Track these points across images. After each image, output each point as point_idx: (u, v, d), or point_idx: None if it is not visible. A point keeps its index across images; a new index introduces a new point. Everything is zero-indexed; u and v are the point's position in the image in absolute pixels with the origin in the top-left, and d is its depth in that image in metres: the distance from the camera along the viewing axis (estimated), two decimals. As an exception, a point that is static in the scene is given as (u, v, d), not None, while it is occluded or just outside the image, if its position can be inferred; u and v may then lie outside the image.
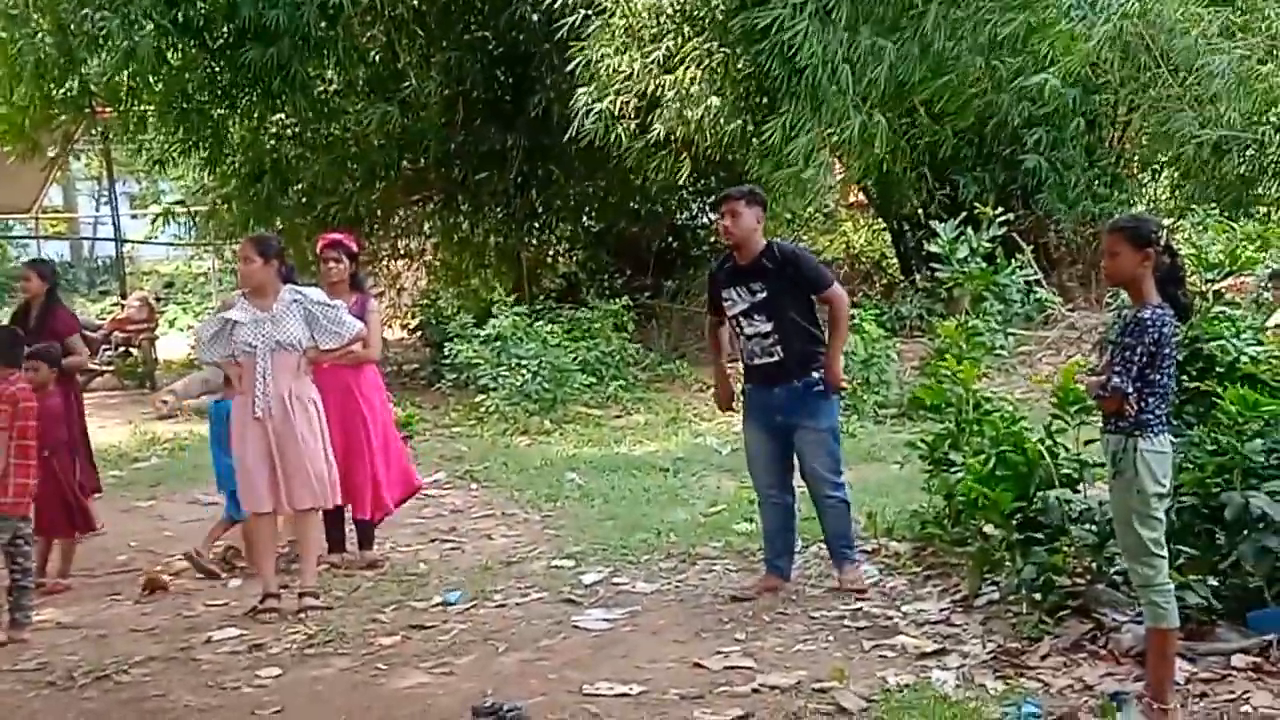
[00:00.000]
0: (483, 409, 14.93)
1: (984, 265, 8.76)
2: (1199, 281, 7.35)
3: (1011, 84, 15.54)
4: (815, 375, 7.34)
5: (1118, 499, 5.35)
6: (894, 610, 7.05)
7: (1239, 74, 15.86)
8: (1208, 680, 5.65)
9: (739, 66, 15.26)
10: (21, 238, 32.42)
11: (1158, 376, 5.22)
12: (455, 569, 8.54)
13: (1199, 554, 6.18)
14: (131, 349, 19.66)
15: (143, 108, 19.00)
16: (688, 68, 15.10)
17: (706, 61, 15.21)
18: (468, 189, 20.30)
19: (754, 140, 15.49)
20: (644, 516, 9.66)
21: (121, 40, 15.43)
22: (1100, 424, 5.51)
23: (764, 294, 7.36)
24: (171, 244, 29.86)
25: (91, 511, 8.96)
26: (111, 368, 19.11)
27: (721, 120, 15.18)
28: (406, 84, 17.71)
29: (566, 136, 16.09)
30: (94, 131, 21.87)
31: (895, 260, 23.20)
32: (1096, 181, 19.94)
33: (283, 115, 19.16)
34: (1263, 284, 11.06)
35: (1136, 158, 21.90)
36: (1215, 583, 6.15)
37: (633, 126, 15.33)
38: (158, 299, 24.07)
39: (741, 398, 7.85)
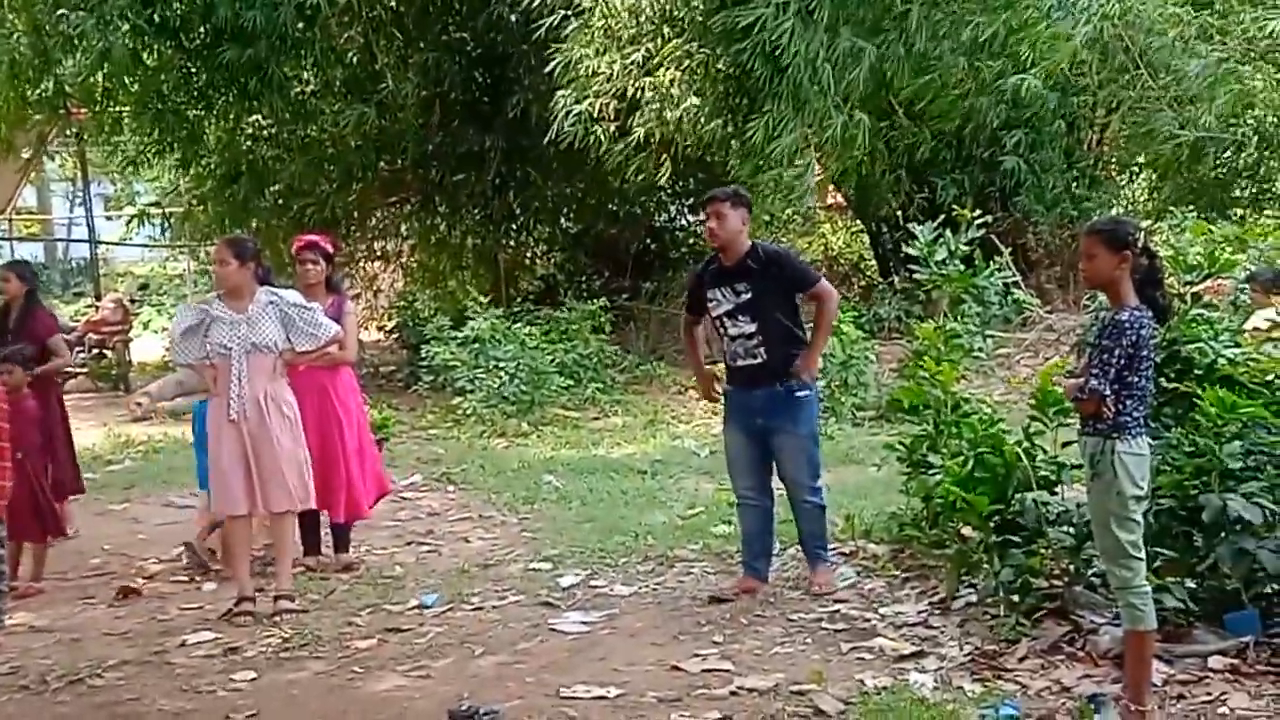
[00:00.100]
0: (460, 411, 14.90)
1: (962, 267, 8.77)
2: (1177, 284, 7.36)
3: (994, 85, 15.55)
4: (799, 378, 7.34)
5: (1095, 501, 5.34)
6: (872, 613, 7.05)
7: (1216, 75, 15.91)
8: (1185, 682, 5.65)
9: (719, 67, 15.24)
10: (-6, 239, 32.27)
11: (1136, 379, 5.22)
12: (432, 572, 8.51)
13: (1177, 556, 6.18)
14: (106, 351, 19.56)
15: (118, 109, 18.91)
16: (667, 69, 15.08)
17: (686, 62, 15.19)
18: (445, 190, 20.25)
19: (734, 141, 15.49)
20: (622, 519, 9.64)
21: (96, 41, 15.33)
22: (1078, 426, 5.51)
23: (748, 295, 7.36)
24: (146, 245, 29.75)
25: (63, 516, 8.91)
26: (85, 370, 19.01)
27: (701, 121, 15.17)
28: (384, 85, 17.66)
29: (546, 138, 16.06)
30: (69, 132, 21.78)
31: (873, 262, 23.22)
32: (1075, 183, 20.00)
33: (259, 116, 19.09)
34: (1240, 286, 11.07)
35: (1115, 159, 21.98)
36: (1193, 585, 6.16)
37: (612, 128, 15.30)
38: (132, 301, 23.88)
39: (723, 398, 7.83)
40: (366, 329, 21.17)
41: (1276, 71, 18.90)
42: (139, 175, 25.00)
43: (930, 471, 7.52)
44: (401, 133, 18.76)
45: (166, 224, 23.48)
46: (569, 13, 15.26)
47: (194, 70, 17.47)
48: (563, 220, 22.15)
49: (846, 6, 14.24)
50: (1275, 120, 19.06)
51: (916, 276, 9.20)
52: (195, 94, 17.81)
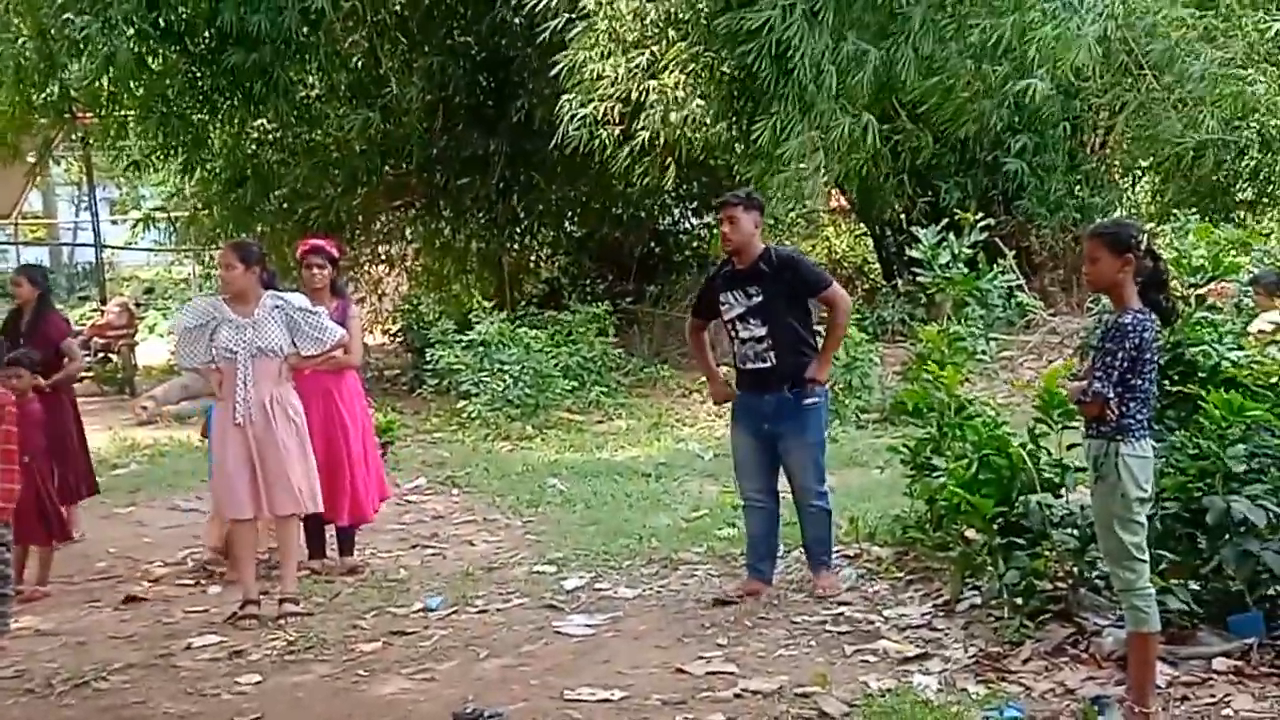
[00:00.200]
0: (464, 414, 14.91)
1: (965, 270, 8.77)
2: (1180, 286, 7.36)
3: (1000, 88, 15.53)
4: (807, 384, 7.35)
5: (1099, 503, 5.35)
6: (876, 615, 7.05)
7: (1220, 78, 15.91)
8: (1189, 684, 5.66)
9: (724, 69, 15.23)
10: (0, 244, 32.28)
11: (1139, 381, 5.23)
12: (436, 575, 8.52)
13: (1180, 558, 6.19)
14: (111, 355, 19.61)
15: (123, 113, 18.92)
16: (672, 71, 15.08)
17: (691, 65, 15.18)
18: (449, 194, 20.26)
19: (738, 144, 15.48)
20: (626, 522, 9.65)
21: (101, 45, 15.34)
22: (1082, 429, 5.51)
23: (760, 298, 7.38)
24: (152, 249, 29.76)
25: (70, 520, 8.93)
26: (91, 374, 19.02)
27: (706, 123, 15.17)
28: (388, 89, 17.65)
29: (550, 142, 16.06)
30: (74, 137, 21.78)
31: (877, 265, 23.23)
32: (1078, 186, 20.00)
33: (264, 120, 19.09)
34: (1243, 289, 11.07)
35: (1118, 162, 21.97)
36: (1197, 587, 6.17)
37: (616, 132, 15.30)
38: (137, 305, 23.94)
39: (731, 402, 7.85)
40: (371, 333, 21.20)
41: (1279, 75, 18.90)
42: (144, 180, 24.98)
43: (934, 474, 7.52)
44: (406, 137, 18.76)
45: (172, 228, 23.50)
46: (573, 16, 15.26)
47: (199, 74, 17.48)
48: (567, 224, 22.16)
49: (852, 9, 14.23)
50: (1277, 124, 19.04)
51: (920, 279, 9.20)
52: (200, 98, 17.82)
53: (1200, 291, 7.41)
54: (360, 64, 18.97)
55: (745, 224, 7.44)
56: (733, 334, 7.56)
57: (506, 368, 15.20)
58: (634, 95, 15.03)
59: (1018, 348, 16.55)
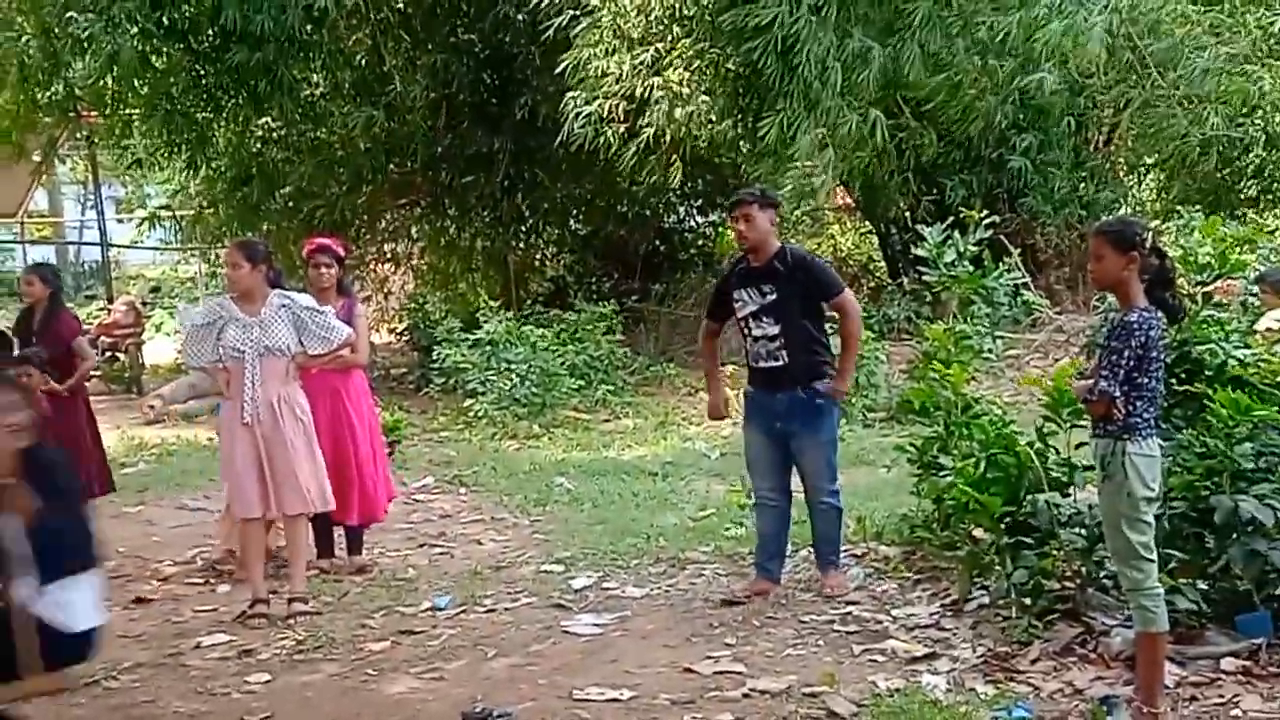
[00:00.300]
0: (471, 413, 14.92)
1: (971, 268, 8.77)
2: (1187, 284, 7.36)
3: (1008, 84, 15.52)
4: (818, 386, 7.35)
5: (1107, 503, 5.35)
6: (884, 615, 7.06)
7: (1226, 73, 15.90)
8: (1197, 684, 5.66)
9: (729, 66, 15.25)
10: (7, 242, 32.33)
11: (1146, 380, 5.23)
12: (444, 574, 8.53)
13: (1188, 558, 6.19)
14: (118, 354, 19.62)
15: (128, 111, 18.94)
16: (677, 68, 15.09)
17: (696, 62, 15.19)
18: (454, 192, 20.29)
19: (742, 142, 15.49)
20: (633, 521, 9.66)
21: (106, 44, 15.36)
22: (1090, 428, 5.52)
23: (773, 296, 7.38)
24: (158, 248, 29.80)
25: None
26: (98, 373, 19.03)
27: (712, 120, 15.17)
28: (392, 87, 17.69)
29: (555, 140, 16.08)
30: (79, 135, 21.81)
31: (882, 263, 23.23)
32: (1083, 183, 19.98)
33: (269, 119, 19.12)
34: (1250, 287, 11.06)
35: (1123, 159, 21.95)
36: (1205, 586, 6.17)
37: (621, 129, 15.31)
38: (144, 303, 24.01)
39: (744, 399, 7.87)
40: (377, 331, 21.22)
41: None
42: (149, 178, 25.03)
43: (941, 473, 7.51)
44: (410, 135, 18.80)
45: (178, 227, 23.53)
46: (578, 13, 15.27)
47: (203, 73, 17.50)
48: (572, 222, 22.19)
49: (857, 5, 14.23)
50: None
51: (925, 278, 9.19)
52: (204, 96, 17.85)
53: (1208, 289, 7.40)
54: (364, 62, 19.01)
55: (761, 221, 7.44)
56: (745, 331, 7.57)
57: (513, 366, 15.22)
58: (639, 92, 15.04)
59: (1024, 346, 16.55)
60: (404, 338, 21.01)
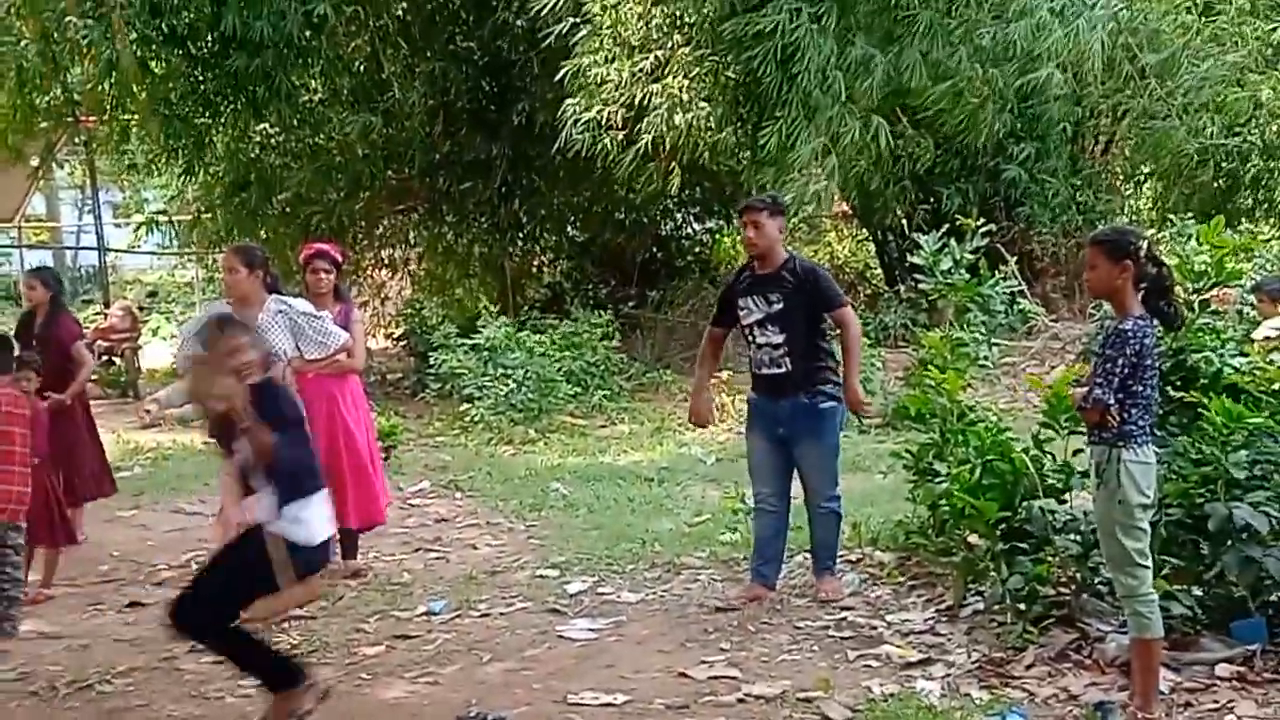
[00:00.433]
0: (467, 419, 14.92)
1: (967, 276, 8.78)
2: (1183, 292, 7.37)
3: (1010, 89, 15.52)
4: (823, 391, 7.36)
5: (1102, 509, 5.36)
6: (879, 620, 7.07)
7: (1224, 83, 15.93)
8: (1192, 690, 5.67)
9: (729, 74, 15.27)
10: (4, 247, 32.29)
11: (1140, 388, 5.24)
12: (440, 579, 8.52)
13: (1183, 564, 6.21)
14: (114, 358, 19.60)
15: (126, 117, 18.95)
16: (677, 76, 15.10)
17: (696, 69, 15.20)
18: (452, 199, 20.29)
19: (739, 150, 15.50)
20: (629, 526, 9.66)
21: (104, 49, 15.38)
22: (1085, 435, 5.53)
23: (780, 305, 7.40)
24: (155, 253, 29.76)
25: (77, 523, 8.93)
26: (95, 377, 19.00)
27: (711, 128, 15.18)
28: (390, 94, 17.71)
29: (552, 147, 16.10)
30: (77, 140, 21.80)
31: (879, 271, 23.25)
32: (1079, 192, 20.01)
33: (267, 124, 19.12)
34: (1245, 296, 11.08)
35: (1119, 169, 21.98)
36: (1199, 593, 6.19)
37: (620, 136, 15.32)
38: (141, 308, 23.93)
39: (747, 405, 7.90)
40: (374, 337, 21.20)
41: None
42: (147, 183, 25.02)
43: (937, 479, 7.52)
44: (408, 141, 18.81)
45: (175, 231, 23.51)
46: (578, 20, 15.28)
47: (202, 79, 17.52)
48: (569, 229, 22.21)
49: (858, 14, 14.25)
50: (1278, 129, 19.05)
51: (922, 286, 9.21)
52: (203, 102, 17.86)
53: (1205, 297, 7.41)
54: (362, 68, 19.01)
55: (770, 229, 7.47)
56: (750, 339, 7.59)
57: (510, 372, 15.21)
58: (638, 99, 15.05)
59: (1020, 353, 16.57)
60: (401, 343, 20.99)
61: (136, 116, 18.62)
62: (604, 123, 15.20)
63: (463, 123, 19.38)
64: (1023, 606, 6.51)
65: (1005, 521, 6.73)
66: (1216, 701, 5.55)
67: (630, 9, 15.19)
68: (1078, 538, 6.52)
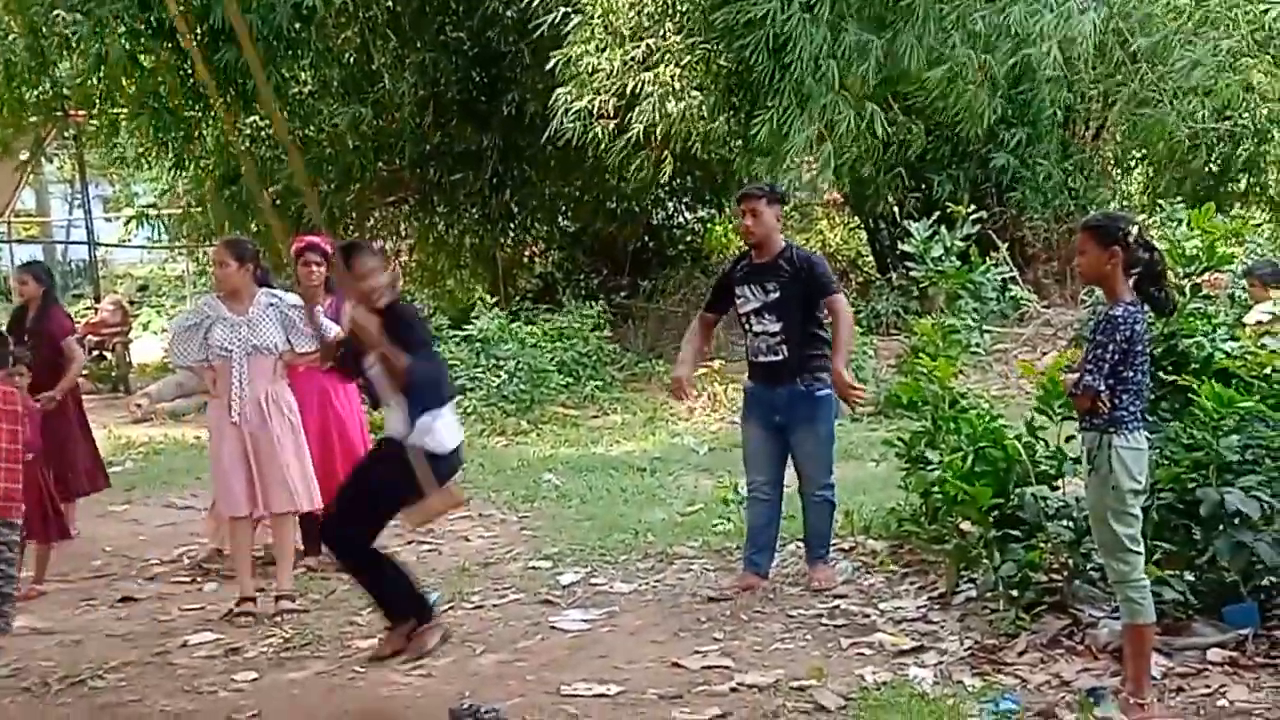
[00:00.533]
0: (460, 410, 14.88)
1: (958, 264, 8.78)
2: (1175, 276, 7.37)
3: (1005, 74, 15.49)
4: (820, 378, 7.35)
5: (1093, 495, 5.36)
6: (871, 608, 7.06)
7: (1220, 66, 15.93)
8: (1184, 675, 5.67)
9: (721, 63, 15.25)
10: (-7, 241, 32.24)
11: (1131, 374, 5.24)
12: (432, 570, 8.50)
13: (1175, 549, 6.21)
14: (105, 353, 19.57)
15: (115, 111, 18.91)
16: (669, 64, 15.08)
17: (688, 58, 15.19)
18: (443, 190, 20.28)
19: (731, 139, 15.48)
20: (621, 517, 9.65)
21: (93, 43, 15.34)
22: (1077, 421, 5.53)
23: (777, 294, 7.39)
24: (145, 247, 29.72)
25: (69, 517, 8.92)
26: (85, 371, 18.96)
27: (704, 117, 15.16)
28: (380, 85, 17.68)
29: (543, 137, 16.08)
30: (66, 134, 21.77)
31: (871, 258, 23.24)
32: (1070, 177, 20.01)
33: (256, 117, 19.08)
34: (1237, 280, 11.10)
35: (1110, 153, 21.99)
36: (1191, 578, 6.20)
37: (611, 125, 15.30)
38: (131, 302, 23.91)
39: (743, 394, 7.89)
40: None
41: (1274, 64, 18.94)
42: (137, 176, 24.98)
43: (929, 467, 7.53)
44: (399, 132, 18.79)
45: (165, 225, 23.47)
46: (568, 9, 15.25)
47: (191, 72, 17.47)
48: (560, 219, 22.20)
49: (850, 0, 14.23)
50: (1268, 113, 19.07)
51: (913, 273, 9.21)
52: (192, 95, 17.81)
53: (1196, 281, 7.41)
54: (352, 60, 18.97)
55: (768, 217, 7.45)
56: (747, 327, 7.57)
57: (502, 363, 15.20)
58: (629, 88, 15.04)
59: (1011, 340, 16.57)
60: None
61: (126, 110, 18.58)
62: (595, 112, 15.18)
63: (453, 114, 19.37)
64: (1015, 593, 6.51)
65: (998, 508, 6.73)
66: (1209, 686, 5.55)
67: (621, -4, 15.19)
68: (1070, 524, 6.52)
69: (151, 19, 15.94)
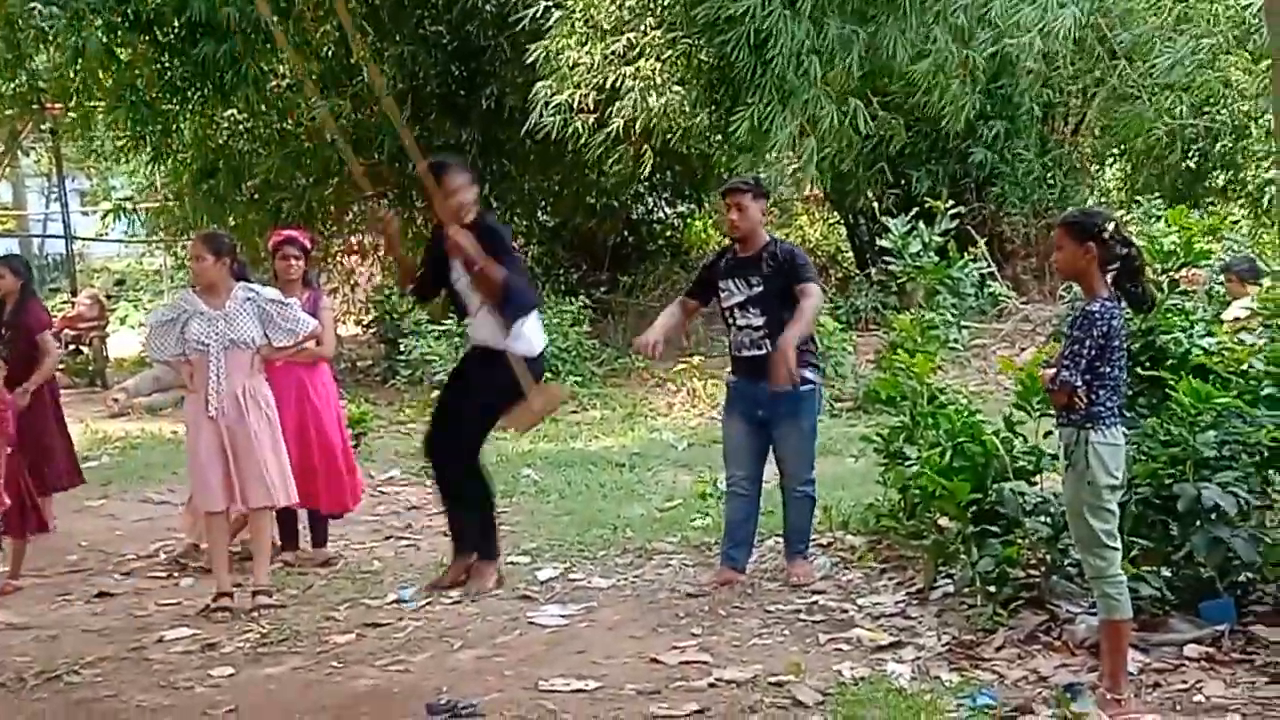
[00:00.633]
0: (438, 405, 14.86)
1: (937, 259, 8.79)
2: (1152, 272, 7.38)
3: (988, 55, 15.49)
4: (803, 373, 7.33)
5: (1070, 491, 5.37)
6: (849, 604, 7.07)
7: (1198, 63, 15.99)
8: (1161, 670, 5.69)
9: (702, 58, 15.23)
10: (-31, 236, 32.08)
11: (1108, 369, 5.25)
12: (410, 566, 8.49)
13: (1152, 545, 6.23)
14: (82, 347, 19.48)
15: (92, 104, 18.82)
16: (649, 59, 15.06)
17: (669, 53, 15.17)
18: (422, 184, 20.19)
19: (712, 134, 15.47)
20: (600, 512, 9.65)
21: (70, 36, 15.25)
22: (1055, 417, 5.53)
23: (760, 289, 7.39)
24: (122, 241, 29.60)
25: (46, 512, 8.88)
26: (62, 366, 18.88)
27: (684, 111, 15.15)
28: (359, 78, 17.62)
29: (522, 131, 16.05)
30: (43, 127, 21.66)
31: (850, 254, 23.26)
32: (1049, 173, 20.05)
33: (234, 110, 19.01)
34: (1214, 276, 11.14)
35: (1089, 149, 22.05)
36: (1168, 574, 6.21)
37: (591, 120, 15.28)
38: (109, 296, 23.86)
39: (726, 388, 7.90)
40: (344, 324, 21.13)
41: (1253, 60, 19.00)
42: (114, 170, 24.89)
43: (907, 462, 7.54)
44: (377, 126, 18.71)
45: (142, 219, 23.38)
46: (549, 3, 15.23)
47: (169, 65, 17.40)
48: (540, 213, 22.14)
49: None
50: (1246, 109, 19.15)
51: (891, 268, 9.22)
52: (170, 89, 17.73)
53: (1174, 276, 7.43)
54: (331, 54, 18.90)
55: (753, 211, 7.46)
56: (730, 321, 7.57)
57: (480, 358, 15.14)
58: (610, 82, 15.02)
59: (990, 336, 16.60)
60: (371, 330, 20.93)
61: (103, 103, 18.49)
62: (575, 106, 15.16)
63: (432, 108, 19.30)
64: (993, 589, 6.52)
65: (976, 504, 6.73)
66: (1185, 682, 5.56)
67: (603, -10, 15.17)
68: (1048, 520, 6.53)
69: (129, 11, 15.85)
